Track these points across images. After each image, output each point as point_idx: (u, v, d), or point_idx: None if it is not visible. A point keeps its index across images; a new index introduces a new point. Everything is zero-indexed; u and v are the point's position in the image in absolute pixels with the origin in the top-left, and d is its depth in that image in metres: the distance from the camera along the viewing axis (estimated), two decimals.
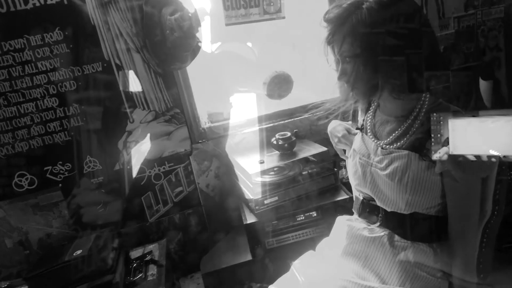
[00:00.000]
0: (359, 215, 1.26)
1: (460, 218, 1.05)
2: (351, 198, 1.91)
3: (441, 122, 0.89)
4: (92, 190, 2.06)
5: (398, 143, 1.09)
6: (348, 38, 1.01)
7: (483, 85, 2.04)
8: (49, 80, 1.86)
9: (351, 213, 1.56)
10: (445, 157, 0.87)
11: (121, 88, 1.98)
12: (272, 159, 2.02)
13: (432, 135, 0.90)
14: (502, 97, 2.00)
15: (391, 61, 0.99)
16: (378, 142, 1.14)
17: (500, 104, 2.05)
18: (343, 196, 1.94)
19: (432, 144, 0.90)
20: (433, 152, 0.90)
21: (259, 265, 1.91)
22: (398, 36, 0.97)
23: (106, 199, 2.09)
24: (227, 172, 2.25)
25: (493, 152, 0.83)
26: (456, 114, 0.88)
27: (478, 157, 0.85)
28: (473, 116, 0.85)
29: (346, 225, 1.24)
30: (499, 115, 0.82)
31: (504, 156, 0.82)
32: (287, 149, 2.02)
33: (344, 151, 1.43)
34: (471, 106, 2.46)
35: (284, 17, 2.08)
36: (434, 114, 0.90)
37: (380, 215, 1.17)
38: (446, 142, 0.88)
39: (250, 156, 2.12)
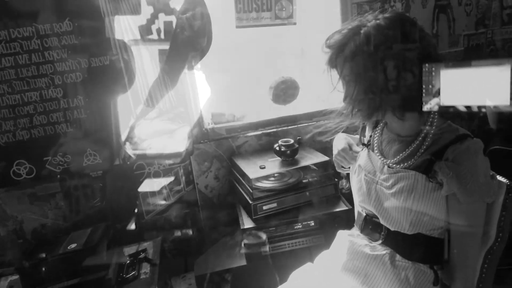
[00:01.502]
0: (361, 231, 1.25)
1: (462, 242, 1.04)
2: (350, 210, 1.91)
3: (433, 73, 0.88)
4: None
5: (405, 163, 1.08)
6: (348, 63, 1.03)
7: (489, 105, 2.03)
8: (55, 70, 1.85)
9: (350, 225, 1.55)
10: (435, 107, 0.87)
11: (126, 83, 1.96)
12: (273, 165, 2.01)
13: (424, 86, 0.89)
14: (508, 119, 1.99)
15: (391, 83, 0.99)
16: (384, 161, 1.14)
17: (504, 125, 2.05)
18: (342, 207, 1.94)
19: (424, 95, 0.89)
20: (424, 103, 0.89)
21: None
22: (397, 58, 0.98)
23: (103, 192, 2.08)
24: (227, 174, 2.24)
25: (483, 102, 0.82)
26: (448, 65, 0.86)
27: (468, 107, 0.84)
28: (466, 66, 0.84)
29: (347, 241, 1.24)
30: (491, 64, 0.81)
31: (494, 107, 0.81)
32: (289, 156, 2.01)
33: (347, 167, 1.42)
34: (475, 124, 2.45)
35: (295, 23, 2.07)
36: (426, 64, 0.89)
37: (382, 233, 1.16)
38: (437, 93, 0.88)
39: (251, 160, 2.11)
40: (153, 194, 2.16)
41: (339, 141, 1.41)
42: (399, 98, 0.98)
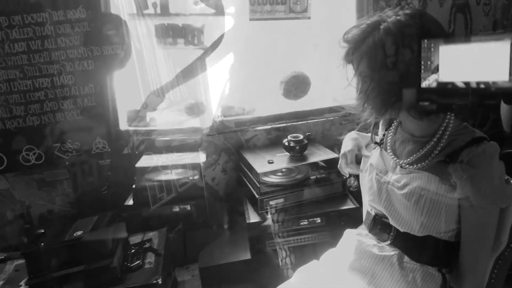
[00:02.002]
0: (370, 231, 1.23)
1: (473, 246, 1.02)
2: (357, 208, 1.89)
3: (432, 49, 0.86)
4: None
5: (419, 164, 1.06)
6: (364, 59, 1.01)
7: (505, 108, 2.00)
8: (67, 57, 1.84)
9: (357, 224, 1.54)
10: (434, 84, 0.85)
11: (138, 73, 1.96)
12: (282, 160, 2.00)
13: (422, 62, 0.88)
14: None
15: (408, 82, 0.97)
16: (397, 161, 1.12)
17: None
18: (349, 205, 1.92)
19: (422, 71, 0.87)
20: (422, 80, 0.87)
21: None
22: (416, 57, 0.95)
23: (111, 181, 2.08)
24: (234, 167, 2.23)
25: (482, 78, 0.80)
26: (448, 41, 0.84)
27: (467, 84, 0.82)
28: (465, 42, 0.82)
29: (355, 240, 1.22)
30: (491, 40, 0.79)
31: (493, 82, 0.79)
32: (298, 152, 2.00)
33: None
34: (488, 126, 2.42)
35: (309, 18, 2.05)
36: (425, 40, 0.87)
37: (391, 233, 1.15)
38: (436, 69, 0.86)
39: (259, 154, 2.10)
40: (159, 184, 2.16)
41: (348, 142, 1.38)
42: (415, 98, 0.96)
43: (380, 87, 0.99)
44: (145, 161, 2.05)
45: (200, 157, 2.09)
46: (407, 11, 0.99)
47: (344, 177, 2.00)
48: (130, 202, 2.07)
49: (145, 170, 2.05)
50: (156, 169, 2.11)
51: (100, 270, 1.72)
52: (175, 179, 2.16)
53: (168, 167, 2.12)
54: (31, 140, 1.93)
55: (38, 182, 2.01)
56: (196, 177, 2.05)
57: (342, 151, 1.39)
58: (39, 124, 1.91)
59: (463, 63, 0.83)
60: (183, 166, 2.14)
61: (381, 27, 0.97)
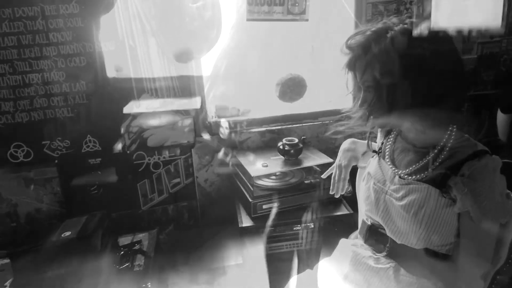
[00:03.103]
0: (365, 241, 1.21)
1: (472, 261, 1.00)
2: (351, 214, 1.87)
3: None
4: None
5: (418, 175, 1.04)
6: (369, 67, 0.97)
7: (501, 117, 1.99)
8: (59, 53, 1.80)
9: (350, 231, 1.52)
10: (425, 32, 0.83)
11: (131, 71, 1.91)
12: (276, 164, 1.97)
13: (415, 11, 0.87)
14: None
15: (414, 94, 0.94)
16: (396, 170, 1.09)
17: None
18: (343, 211, 1.90)
19: (414, 19, 0.86)
20: (414, 27, 0.87)
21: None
22: (423, 68, 0.93)
23: (101, 181, 2.04)
24: (227, 169, 2.19)
25: (475, 24, 0.78)
26: None
27: (459, 31, 0.80)
28: None
29: (350, 250, 1.20)
30: None
31: (486, 30, 0.78)
32: (292, 156, 1.97)
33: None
34: (482, 134, 2.41)
35: (307, 20, 2.01)
36: None
37: (388, 245, 1.12)
38: (429, 16, 0.84)
39: (253, 157, 2.07)
40: (151, 185, 2.12)
41: (345, 154, 1.35)
42: (421, 111, 0.93)
43: (384, 97, 0.96)
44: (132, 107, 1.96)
45: (197, 102, 2.03)
46: (414, 20, 0.96)
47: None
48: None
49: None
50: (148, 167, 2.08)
51: (88, 271, 1.70)
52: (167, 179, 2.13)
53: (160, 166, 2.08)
54: (19, 137, 1.88)
55: (26, 180, 1.96)
56: (189, 122, 1.95)
57: (337, 161, 1.36)
58: (28, 121, 1.86)
59: (456, 10, 0.80)
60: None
61: (388, 35, 0.94)
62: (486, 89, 2.38)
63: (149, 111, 2.00)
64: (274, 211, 1.87)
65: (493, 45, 2.32)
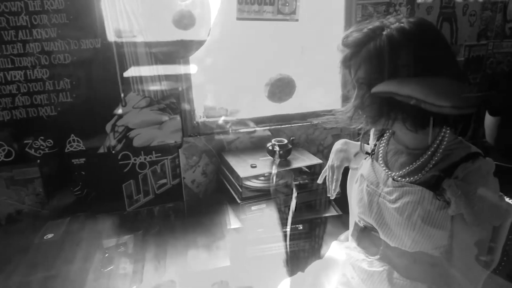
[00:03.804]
0: (358, 244, 1.19)
1: (465, 263, 1.00)
2: (340, 216, 1.86)
3: None
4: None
5: (412, 178, 1.03)
6: (364, 65, 0.96)
7: (489, 119, 2.01)
8: (43, 49, 1.74)
9: (340, 231, 1.50)
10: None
11: (117, 69, 1.87)
12: (265, 165, 1.95)
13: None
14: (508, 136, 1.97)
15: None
16: (389, 173, 1.08)
17: (503, 142, 2.02)
18: (332, 212, 1.89)
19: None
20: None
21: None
22: (417, 67, 0.92)
23: (85, 181, 1.99)
24: (215, 170, 2.17)
25: None
26: None
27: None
28: None
29: (343, 253, 1.18)
30: None
31: None
32: (281, 157, 1.95)
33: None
34: (469, 136, 2.44)
35: (297, 20, 2.00)
36: None
37: (381, 247, 1.11)
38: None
39: (241, 158, 2.04)
40: (137, 186, 2.08)
41: (337, 155, 1.34)
42: (413, 110, 0.92)
43: (376, 95, 0.95)
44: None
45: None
46: (411, 19, 0.95)
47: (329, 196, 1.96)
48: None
49: None
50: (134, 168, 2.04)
51: (71, 275, 1.65)
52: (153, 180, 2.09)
53: (146, 166, 2.04)
54: (0, 136, 1.82)
55: (6, 180, 1.90)
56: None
57: (329, 162, 1.35)
58: (10, 119, 1.80)
59: None
60: (162, 167, 2.06)
61: (384, 33, 0.93)
62: (472, 92, 2.40)
63: (136, 110, 1.95)
64: (263, 212, 1.85)
65: (480, 48, 2.34)
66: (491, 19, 2.29)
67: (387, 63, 0.92)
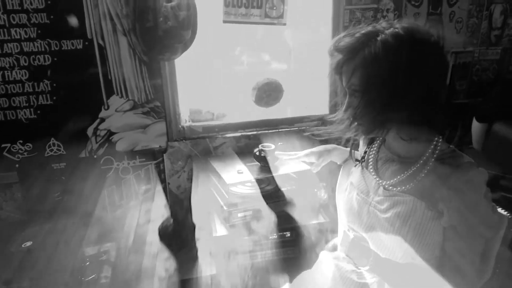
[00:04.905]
0: (347, 254, 1.16)
1: (457, 275, 0.97)
2: (328, 223, 1.84)
3: None
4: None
5: (403, 187, 1.00)
6: (357, 71, 0.93)
7: (476, 126, 2.01)
8: (22, 50, 1.68)
9: (327, 239, 1.48)
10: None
11: (100, 71, 1.81)
12: (252, 170, 1.92)
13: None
14: (496, 142, 1.97)
15: (402, 100, 0.91)
16: (380, 181, 1.06)
17: (491, 149, 2.03)
18: (320, 219, 1.87)
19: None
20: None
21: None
22: (413, 75, 0.89)
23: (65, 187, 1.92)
24: (201, 176, 2.12)
25: None
26: None
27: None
28: None
29: (332, 264, 1.15)
30: None
31: None
32: (268, 162, 1.92)
33: None
34: (455, 142, 2.44)
35: (285, 24, 1.97)
36: None
37: (371, 258, 1.08)
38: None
39: (228, 163, 2.01)
40: (119, 191, 2.02)
41: (320, 148, 1.39)
42: (408, 119, 0.90)
43: (370, 103, 0.92)
44: None
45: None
46: (405, 25, 0.92)
47: (315, 190, 1.94)
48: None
49: None
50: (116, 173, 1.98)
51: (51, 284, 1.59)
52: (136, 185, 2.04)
53: (129, 172, 1.99)
54: None
55: None
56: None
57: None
58: None
59: None
60: (146, 172, 2.01)
61: (379, 38, 0.90)
62: (459, 98, 2.41)
63: (119, 114, 1.90)
64: (249, 219, 1.81)
65: (466, 55, 2.35)
66: (477, 26, 2.31)
67: (383, 70, 0.89)
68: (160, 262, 1.92)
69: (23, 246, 1.65)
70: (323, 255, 1.26)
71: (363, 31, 0.94)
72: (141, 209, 2.04)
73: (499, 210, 1.04)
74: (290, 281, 1.28)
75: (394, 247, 1.01)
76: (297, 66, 2.23)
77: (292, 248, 1.82)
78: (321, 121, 2.08)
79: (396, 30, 0.91)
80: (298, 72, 2.23)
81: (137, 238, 1.96)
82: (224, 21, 1.93)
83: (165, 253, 1.94)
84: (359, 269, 1.11)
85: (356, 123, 0.98)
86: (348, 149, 1.38)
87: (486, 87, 2.36)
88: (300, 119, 2.19)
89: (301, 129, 2.18)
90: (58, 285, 1.57)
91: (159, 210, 2.03)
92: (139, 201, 2.04)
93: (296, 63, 2.24)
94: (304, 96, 2.22)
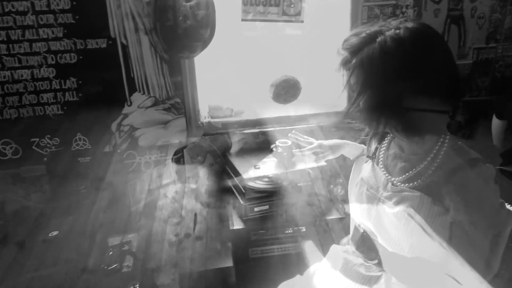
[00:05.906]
0: (357, 248, 1.19)
1: (463, 271, 0.98)
2: (342, 219, 1.86)
3: None
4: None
5: (411, 183, 1.02)
6: (356, 70, 0.96)
7: (496, 123, 1.98)
8: (49, 49, 1.77)
9: (342, 235, 1.50)
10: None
11: (123, 69, 1.88)
12: (269, 166, 1.95)
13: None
14: None
15: (396, 103, 0.93)
16: (389, 177, 1.07)
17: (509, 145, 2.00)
18: (335, 215, 1.89)
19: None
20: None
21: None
22: (408, 76, 0.91)
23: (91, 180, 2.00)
24: (219, 171, 2.17)
25: None
26: None
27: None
28: None
29: (341, 257, 1.18)
30: None
31: None
32: (285, 158, 1.95)
33: None
34: (477, 140, 2.41)
35: (302, 21, 1.99)
36: None
37: (379, 252, 1.10)
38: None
39: (245, 159, 2.04)
40: (141, 184, 2.09)
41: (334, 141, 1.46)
42: (403, 118, 0.92)
43: (367, 102, 0.95)
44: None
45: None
46: (410, 26, 0.93)
47: (331, 186, 1.96)
48: None
49: None
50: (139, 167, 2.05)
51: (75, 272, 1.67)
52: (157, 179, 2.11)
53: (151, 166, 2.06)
54: (8, 134, 1.85)
55: (13, 177, 1.92)
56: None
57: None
58: (17, 118, 1.83)
59: None
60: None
61: (378, 40, 0.92)
62: (480, 95, 2.37)
63: (141, 110, 1.97)
64: (265, 213, 1.85)
65: (489, 51, 2.31)
66: (500, 21, 2.26)
67: (376, 72, 0.91)
68: (180, 252, 1.98)
69: (49, 235, 1.74)
70: (333, 249, 1.28)
71: (368, 31, 0.96)
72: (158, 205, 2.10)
73: (508, 207, 1.04)
74: (301, 273, 1.32)
75: (401, 242, 1.03)
76: (315, 63, 2.24)
77: (308, 242, 1.85)
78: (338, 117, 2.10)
79: (398, 31, 0.92)
80: (316, 69, 2.24)
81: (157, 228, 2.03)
82: (243, 19, 1.97)
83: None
84: (368, 262, 1.13)
85: (360, 118, 1.01)
86: (361, 145, 1.40)
87: (510, 84, 2.31)
88: (318, 116, 2.21)
89: (319, 125, 2.20)
90: (82, 273, 1.65)
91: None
92: (159, 195, 2.10)
93: (315, 60, 2.25)
94: (322, 93, 2.23)
